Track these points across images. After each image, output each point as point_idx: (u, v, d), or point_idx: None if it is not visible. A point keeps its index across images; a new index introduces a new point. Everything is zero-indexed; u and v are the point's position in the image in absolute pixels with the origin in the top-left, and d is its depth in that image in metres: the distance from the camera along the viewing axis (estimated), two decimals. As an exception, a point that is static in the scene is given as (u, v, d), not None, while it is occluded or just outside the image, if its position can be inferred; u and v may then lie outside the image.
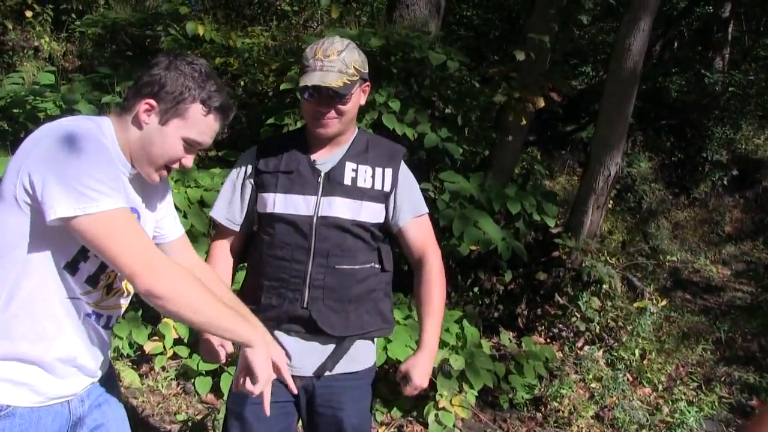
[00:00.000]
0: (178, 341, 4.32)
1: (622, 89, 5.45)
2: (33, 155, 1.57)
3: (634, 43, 5.32)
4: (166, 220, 2.02)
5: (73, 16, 7.78)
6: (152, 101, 1.71)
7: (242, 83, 6.05)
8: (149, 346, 4.25)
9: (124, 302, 1.90)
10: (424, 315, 2.27)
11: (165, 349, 4.27)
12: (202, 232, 4.28)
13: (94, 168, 1.56)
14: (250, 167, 2.25)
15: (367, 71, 2.17)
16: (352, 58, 2.10)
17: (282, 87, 4.88)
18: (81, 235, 1.57)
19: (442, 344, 4.13)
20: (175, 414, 4.02)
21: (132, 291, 1.87)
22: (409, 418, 4.20)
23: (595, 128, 5.99)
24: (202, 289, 1.67)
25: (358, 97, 2.16)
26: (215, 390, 4.15)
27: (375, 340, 2.36)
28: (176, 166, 1.80)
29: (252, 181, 2.24)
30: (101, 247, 1.58)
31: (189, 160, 1.80)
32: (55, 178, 1.53)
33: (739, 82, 9.95)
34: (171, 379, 4.34)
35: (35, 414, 1.70)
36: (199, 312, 1.65)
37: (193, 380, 4.23)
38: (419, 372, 2.18)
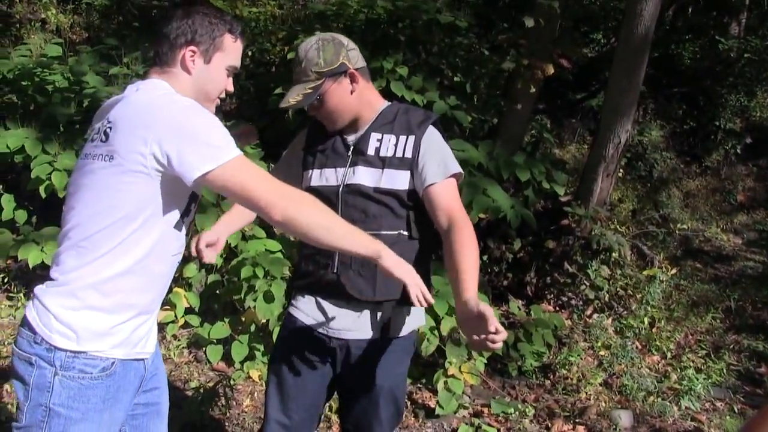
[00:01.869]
0: (189, 310, 4.38)
1: (633, 56, 5.39)
2: (158, 127, 1.71)
3: (646, 8, 5.24)
4: None
5: (80, -13, 7.74)
6: (193, 47, 1.89)
7: (249, 53, 6.04)
8: (160, 315, 4.29)
9: None
10: (461, 270, 2.08)
11: (176, 317, 4.33)
12: (212, 202, 4.31)
13: (211, 125, 1.76)
14: (300, 150, 2.41)
15: (337, 64, 2.20)
16: (312, 62, 2.19)
17: (289, 56, 4.85)
18: (216, 184, 1.74)
19: (452, 311, 4.13)
20: (187, 382, 4.07)
21: None
22: (419, 385, 4.24)
23: (606, 96, 5.94)
24: (326, 211, 1.86)
25: (340, 90, 2.23)
26: (226, 358, 4.22)
27: (412, 310, 2.33)
28: (223, 94, 2.00)
29: (301, 160, 2.38)
30: (237, 190, 1.76)
31: (231, 85, 2.00)
32: (188, 143, 1.70)
33: (756, 47, 9.74)
34: (183, 348, 4.40)
35: (126, 366, 1.85)
36: (331, 230, 1.84)
37: (204, 348, 4.29)
38: (492, 318, 1.83)
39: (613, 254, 5.22)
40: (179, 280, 4.43)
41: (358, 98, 2.26)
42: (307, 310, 2.34)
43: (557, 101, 9.28)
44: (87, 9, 7.45)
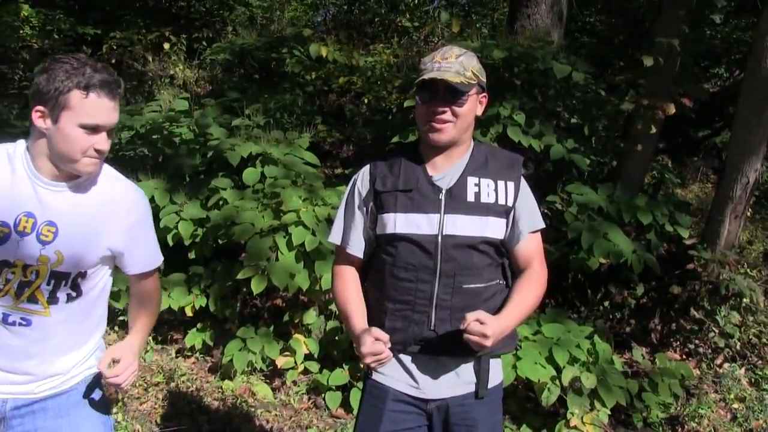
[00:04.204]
0: (308, 357, 4.46)
1: (762, 90, 5.13)
2: None
3: (776, 40, 5.00)
4: (134, 248, 2.12)
5: (204, 44, 8.26)
6: (40, 107, 1.82)
7: (366, 101, 6.17)
8: (281, 361, 4.40)
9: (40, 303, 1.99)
10: (513, 296, 2.16)
11: (296, 364, 4.42)
12: (330, 250, 4.38)
13: None
14: (366, 189, 2.21)
15: (485, 81, 2.14)
16: (471, 63, 2.08)
17: (406, 104, 4.93)
18: None
19: (573, 360, 4.03)
20: (306, 428, 4.12)
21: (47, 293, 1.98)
22: (539, 436, 4.13)
23: (732, 133, 5.67)
24: None
25: (474, 105, 2.12)
26: (345, 405, 4.24)
27: (501, 356, 2.33)
28: (94, 153, 1.88)
29: (372, 203, 2.19)
30: None
31: (101, 143, 1.88)
32: None
33: None
34: (302, 394, 4.46)
35: None
36: None
37: (323, 395, 4.34)
38: (488, 321, 1.96)
39: (744, 300, 4.94)
40: (299, 326, 4.52)
41: (472, 123, 2.16)
42: (395, 374, 2.20)
43: (678, 139, 8.95)
44: (211, 63, 7.87)
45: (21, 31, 7.71)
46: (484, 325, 1.94)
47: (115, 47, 8.37)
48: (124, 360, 2.02)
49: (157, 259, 2.21)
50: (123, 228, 2.05)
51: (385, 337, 2.05)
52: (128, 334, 2.23)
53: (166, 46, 8.03)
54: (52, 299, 1.97)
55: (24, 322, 1.96)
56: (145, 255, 2.16)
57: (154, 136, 5.51)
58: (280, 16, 9.23)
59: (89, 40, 8.26)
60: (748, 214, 6.32)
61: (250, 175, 4.87)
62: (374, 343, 2.02)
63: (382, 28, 8.05)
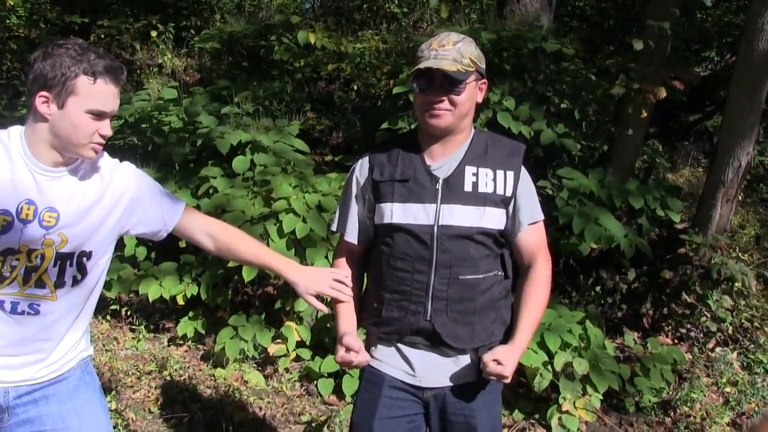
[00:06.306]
0: (300, 344, 4.45)
1: (754, 73, 5.11)
2: None
3: (768, 22, 4.97)
4: (148, 213, 2.13)
5: (192, 32, 8.20)
6: (44, 93, 1.81)
7: (355, 88, 6.14)
8: (273, 349, 4.39)
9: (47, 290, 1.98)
10: (522, 311, 2.16)
11: (288, 351, 4.41)
12: (321, 237, 4.37)
13: None
14: (365, 179, 2.21)
15: (484, 67, 2.11)
16: (468, 49, 2.05)
17: (394, 90, 4.90)
18: None
19: (565, 346, 4.03)
20: (299, 415, 4.12)
21: (53, 278, 1.97)
22: (531, 421, 4.13)
23: (723, 117, 5.66)
24: None
25: (473, 92, 2.09)
26: (337, 391, 4.24)
27: None
28: (98, 138, 1.90)
29: (370, 193, 2.19)
30: None
31: (105, 128, 1.91)
32: None
33: None
34: (294, 381, 4.46)
35: None
36: None
37: (315, 382, 4.34)
38: (505, 360, 2.01)
39: (736, 284, 4.94)
40: (291, 313, 4.50)
41: (471, 110, 2.13)
42: (393, 362, 2.21)
43: (669, 123, 8.94)
44: (199, 52, 7.82)
45: (8, 21, 7.63)
46: (502, 366, 2.00)
47: (102, 36, 8.30)
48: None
49: (180, 203, 2.22)
50: (129, 204, 2.08)
51: (356, 345, 2.11)
52: (270, 263, 2.25)
53: (154, 34, 7.97)
54: (60, 282, 1.97)
55: (32, 311, 1.96)
56: (169, 206, 2.18)
57: (143, 125, 5.48)
58: (268, 3, 9.18)
59: (76, 29, 8.19)
60: (740, 198, 6.32)
61: (240, 163, 4.85)
62: (345, 354, 2.12)
63: (371, 14, 8.01)
